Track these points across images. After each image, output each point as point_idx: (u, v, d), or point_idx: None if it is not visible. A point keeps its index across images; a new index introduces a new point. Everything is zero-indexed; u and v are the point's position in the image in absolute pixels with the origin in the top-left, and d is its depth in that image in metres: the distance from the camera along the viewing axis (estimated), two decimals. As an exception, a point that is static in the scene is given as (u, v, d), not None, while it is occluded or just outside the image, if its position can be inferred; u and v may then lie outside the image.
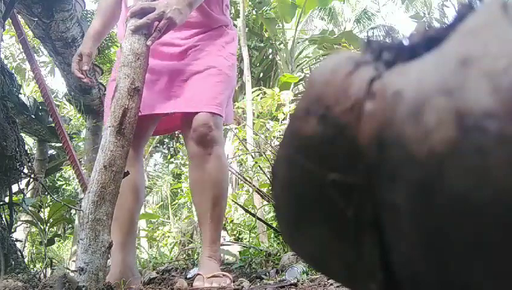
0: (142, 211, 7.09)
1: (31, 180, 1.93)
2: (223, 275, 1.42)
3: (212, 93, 1.50)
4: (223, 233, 5.09)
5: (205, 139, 1.49)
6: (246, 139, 5.19)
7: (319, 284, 1.27)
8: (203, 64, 1.53)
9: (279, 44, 8.59)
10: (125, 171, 1.29)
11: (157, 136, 8.61)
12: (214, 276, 1.40)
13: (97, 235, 1.20)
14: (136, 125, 1.33)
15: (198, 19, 1.63)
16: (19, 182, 1.86)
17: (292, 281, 1.36)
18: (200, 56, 1.55)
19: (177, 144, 8.48)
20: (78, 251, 1.21)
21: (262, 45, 8.51)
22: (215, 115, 1.50)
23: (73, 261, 3.46)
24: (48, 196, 1.65)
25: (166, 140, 9.74)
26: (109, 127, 1.31)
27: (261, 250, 2.12)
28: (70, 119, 6.09)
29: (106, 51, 7.26)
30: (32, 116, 3.61)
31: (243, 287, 1.38)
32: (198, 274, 1.45)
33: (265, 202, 3.22)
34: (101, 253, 1.19)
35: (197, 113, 1.48)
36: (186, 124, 1.53)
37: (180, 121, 1.62)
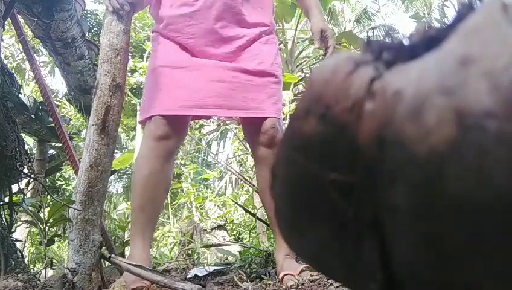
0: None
1: (31, 180, 1.93)
2: (306, 267, 1.43)
3: (273, 100, 1.63)
4: (223, 233, 5.10)
5: (274, 141, 1.58)
6: (246, 139, 5.18)
7: (319, 284, 1.27)
8: (264, 71, 1.63)
9: (279, 44, 8.57)
10: (113, 169, 1.30)
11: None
12: (301, 271, 1.42)
13: (87, 236, 1.20)
14: (184, 126, 1.57)
15: (265, 19, 1.70)
16: (19, 182, 1.86)
17: (292, 281, 1.36)
18: (260, 62, 1.64)
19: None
20: (69, 252, 1.21)
21: (262, 45, 8.47)
22: (278, 119, 1.62)
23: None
24: (48, 196, 1.65)
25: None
26: (92, 125, 1.30)
27: (261, 250, 2.12)
28: (70, 119, 6.08)
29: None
30: (32, 116, 3.60)
31: (244, 288, 1.38)
32: (287, 274, 1.44)
33: (265, 202, 3.21)
34: (92, 253, 1.19)
35: (265, 118, 1.59)
36: (253, 129, 1.63)
37: (245, 126, 1.73)
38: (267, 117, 1.59)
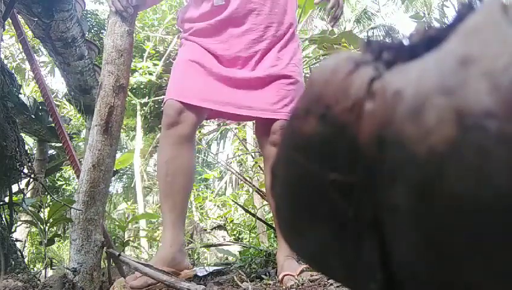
0: (142, 211, 7.05)
1: (31, 180, 1.93)
2: (306, 268, 1.43)
3: (285, 101, 1.64)
4: (223, 233, 5.10)
5: None
6: (246, 139, 5.19)
7: (319, 284, 1.27)
8: (278, 74, 1.64)
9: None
10: (115, 169, 1.31)
11: (158, 136, 8.62)
12: (301, 272, 1.42)
13: (89, 235, 1.20)
14: (196, 112, 1.55)
15: (287, 16, 1.72)
16: (19, 182, 1.86)
17: (292, 281, 1.36)
18: (274, 65, 1.66)
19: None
20: (71, 252, 1.21)
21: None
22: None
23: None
24: (48, 196, 1.66)
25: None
26: (96, 126, 1.31)
27: (261, 250, 2.12)
28: (70, 119, 6.08)
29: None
30: (32, 116, 3.60)
31: (244, 288, 1.38)
32: (287, 275, 1.44)
33: (265, 202, 3.22)
34: (94, 253, 1.19)
35: (275, 119, 1.61)
36: (263, 129, 1.66)
37: (257, 126, 1.75)
38: (279, 119, 1.61)
